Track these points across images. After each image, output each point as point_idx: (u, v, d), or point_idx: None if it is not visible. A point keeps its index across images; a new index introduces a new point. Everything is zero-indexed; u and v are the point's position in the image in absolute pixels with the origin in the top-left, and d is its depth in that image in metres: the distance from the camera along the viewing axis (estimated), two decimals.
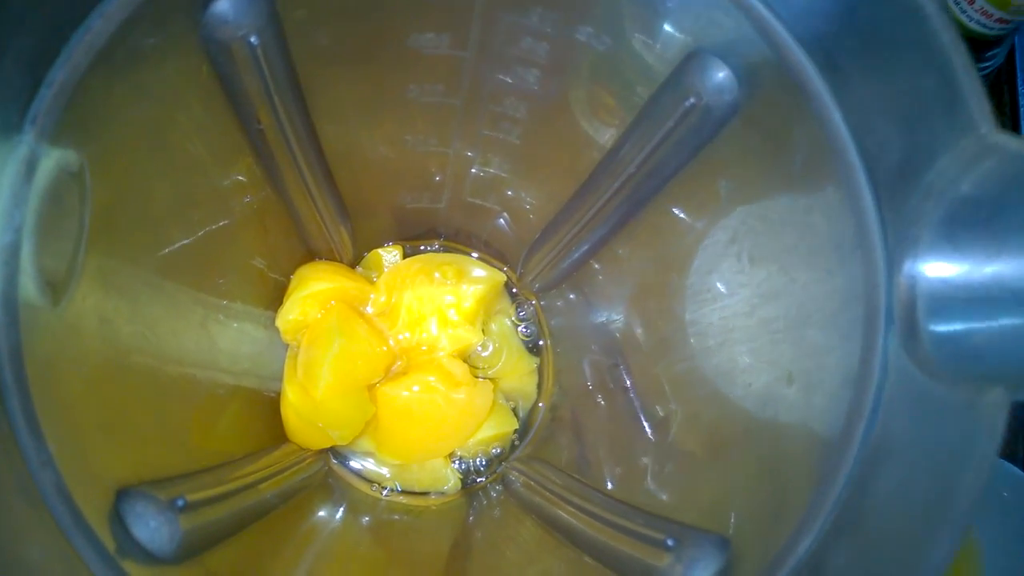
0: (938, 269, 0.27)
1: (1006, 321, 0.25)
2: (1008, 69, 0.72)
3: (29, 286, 0.27)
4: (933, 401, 0.26)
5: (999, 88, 0.71)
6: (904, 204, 0.28)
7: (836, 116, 0.30)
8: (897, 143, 0.28)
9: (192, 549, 0.31)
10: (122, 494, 0.29)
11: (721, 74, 0.34)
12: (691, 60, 0.34)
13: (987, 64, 0.57)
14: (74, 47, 0.28)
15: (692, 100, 0.35)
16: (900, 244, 0.28)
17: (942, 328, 0.26)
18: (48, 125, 0.27)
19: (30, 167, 0.27)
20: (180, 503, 0.30)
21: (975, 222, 0.26)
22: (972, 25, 0.53)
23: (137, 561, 0.28)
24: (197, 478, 0.35)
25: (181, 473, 0.35)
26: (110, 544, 0.27)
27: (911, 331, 0.27)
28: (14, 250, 0.26)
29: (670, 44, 0.35)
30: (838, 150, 0.30)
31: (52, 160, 0.28)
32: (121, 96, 0.31)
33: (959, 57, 0.25)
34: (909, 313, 0.27)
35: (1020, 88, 0.71)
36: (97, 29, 0.28)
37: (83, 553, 0.26)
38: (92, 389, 0.31)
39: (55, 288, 0.29)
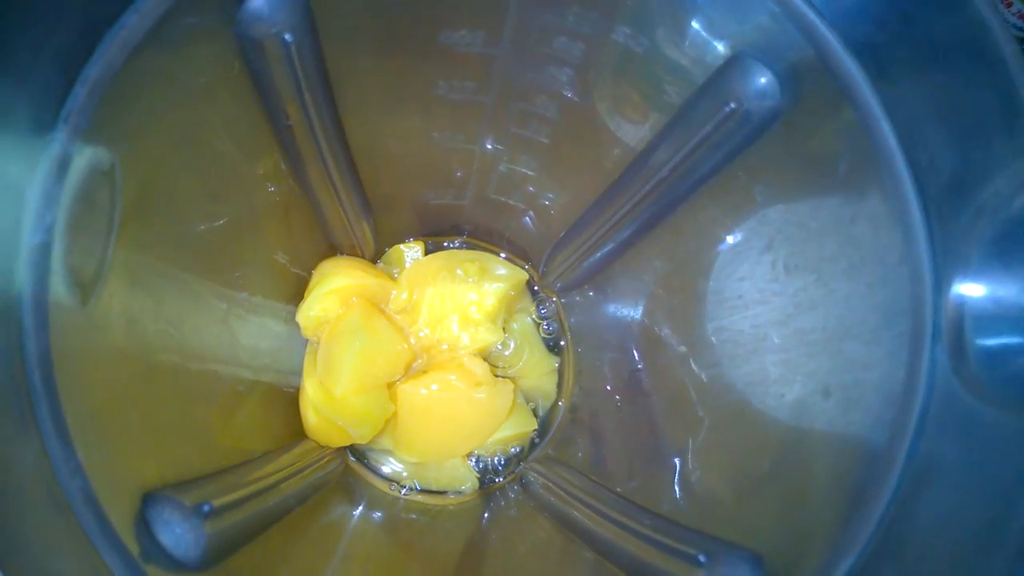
0: (989, 289, 0.26)
1: None
2: None
3: (59, 286, 0.27)
4: (983, 424, 0.25)
5: None
6: (955, 221, 0.27)
7: (885, 126, 0.29)
8: (950, 158, 0.27)
9: (217, 554, 0.30)
10: (148, 499, 0.28)
11: (763, 79, 0.33)
12: (732, 64, 0.34)
13: None
14: (108, 44, 0.27)
15: (732, 105, 0.34)
16: (949, 261, 0.27)
17: (992, 349, 0.26)
18: (81, 123, 0.27)
19: (62, 166, 0.26)
20: (207, 508, 0.30)
21: None
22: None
23: (160, 566, 0.28)
24: (220, 479, 0.35)
25: (204, 474, 0.35)
26: (134, 549, 0.27)
27: (959, 351, 0.27)
28: (45, 251, 0.26)
29: (710, 47, 0.34)
30: (886, 161, 0.29)
31: (84, 159, 0.28)
32: (153, 93, 0.31)
33: (1021, 73, 0.24)
34: (957, 332, 0.27)
35: None
36: (132, 25, 0.27)
37: (109, 561, 0.25)
38: (118, 390, 0.31)
39: (84, 287, 0.29)
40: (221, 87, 0.34)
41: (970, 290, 0.27)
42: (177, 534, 0.28)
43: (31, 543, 0.23)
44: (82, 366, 0.28)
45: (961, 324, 0.27)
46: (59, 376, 0.26)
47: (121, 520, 0.26)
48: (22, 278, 0.25)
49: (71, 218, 0.27)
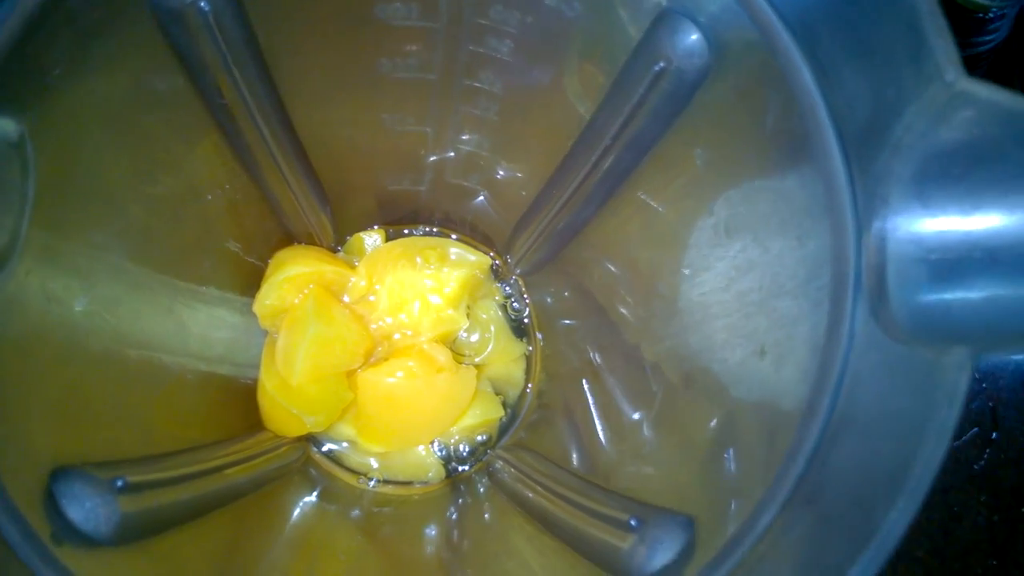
0: (908, 229, 0.25)
1: (978, 281, 0.24)
2: (1018, 48, 0.69)
3: None
4: (898, 367, 0.24)
5: (1008, 68, 0.69)
6: (873, 163, 0.26)
7: (806, 74, 0.28)
8: (866, 99, 0.26)
9: (136, 532, 0.30)
10: (58, 474, 0.28)
11: (692, 36, 0.32)
12: (661, 22, 0.33)
13: (990, 38, 0.55)
14: (7, 11, 0.27)
15: (662, 64, 0.33)
16: (869, 205, 0.26)
17: (911, 290, 0.25)
18: None
19: None
20: (119, 483, 0.29)
21: (947, 178, 0.24)
22: None
23: (73, 545, 0.27)
24: (151, 462, 0.34)
25: (138, 457, 0.34)
26: (42, 527, 0.26)
27: (880, 295, 0.26)
28: None
29: (639, 7, 0.34)
30: (808, 111, 0.28)
31: None
32: (66, 65, 0.30)
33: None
34: (878, 277, 0.26)
35: None
36: None
37: (7, 533, 0.24)
38: (35, 366, 0.30)
39: None
40: (145, 63, 0.34)
41: (890, 232, 0.26)
42: (87, 508, 0.28)
43: None
44: None
45: (883, 268, 0.26)
46: None
47: (23, 492, 0.26)
48: None
49: None
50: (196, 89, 0.37)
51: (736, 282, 0.35)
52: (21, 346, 0.29)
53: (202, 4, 0.32)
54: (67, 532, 0.27)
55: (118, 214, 0.36)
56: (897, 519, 0.21)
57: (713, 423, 0.34)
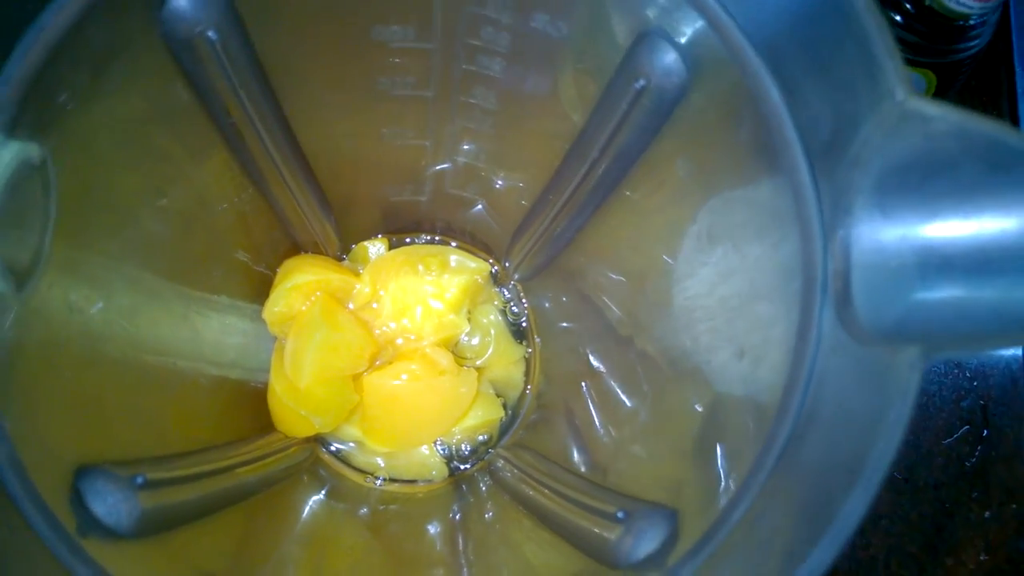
0: (870, 237, 0.27)
1: (935, 284, 0.25)
2: (1004, 50, 0.71)
3: None
4: (859, 367, 0.26)
5: (995, 71, 0.71)
6: (836, 175, 0.28)
7: (774, 93, 0.30)
8: (827, 115, 0.28)
9: (154, 526, 0.32)
10: (82, 471, 0.30)
11: (669, 56, 0.34)
12: (640, 43, 0.35)
13: (971, 45, 0.57)
14: (29, 43, 0.29)
15: (643, 82, 0.35)
16: (834, 214, 0.28)
17: (873, 295, 0.27)
18: (5, 119, 0.29)
19: None
20: (139, 480, 0.31)
21: (905, 189, 0.26)
22: (951, 4, 0.53)
23: (97, 538, 0.29)
24: (167, 461, 0.36)
25: (155, 456, 0.36)
26: (68, 521, 0.28)
27: (845, 299, 0.28)
28: None
29: (620, 29, 0.36)
30: (776, 126, 0.30)
31: (11, 152, 0.29)
32: (84, 90, 0.32)
33: (871, 20, 0.25)
34: (843, 282, 0.28)
35: (1019, 70, 0.71)
36: (51, 25, 0.29)
37: (36, 526, 0.26)
38: (60, 372, 0.32)
39: (18, 274, 0.30)
40: (157, 86, 0.36)
41: (853, 240, 0.27)
42: (109, 503, 0.30)
43: None
44: (16, 345, 0.29)
45: (847, 273, 0.28)
46: None
47: (51, 488, 0.28)
48: None
49: (0, 209, 0.29)
50: (205, 109, 0.39)
51: (718, 287, 0.37)
52: (45, 353, 0.31)
53: (209, 33, 0.34)
54: (91, 525, 0.29)
55: (133, 227, 0.38)
56: (853, 507, 0.23)
57: (699, 421, 0.36)
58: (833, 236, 0.28)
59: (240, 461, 0.42)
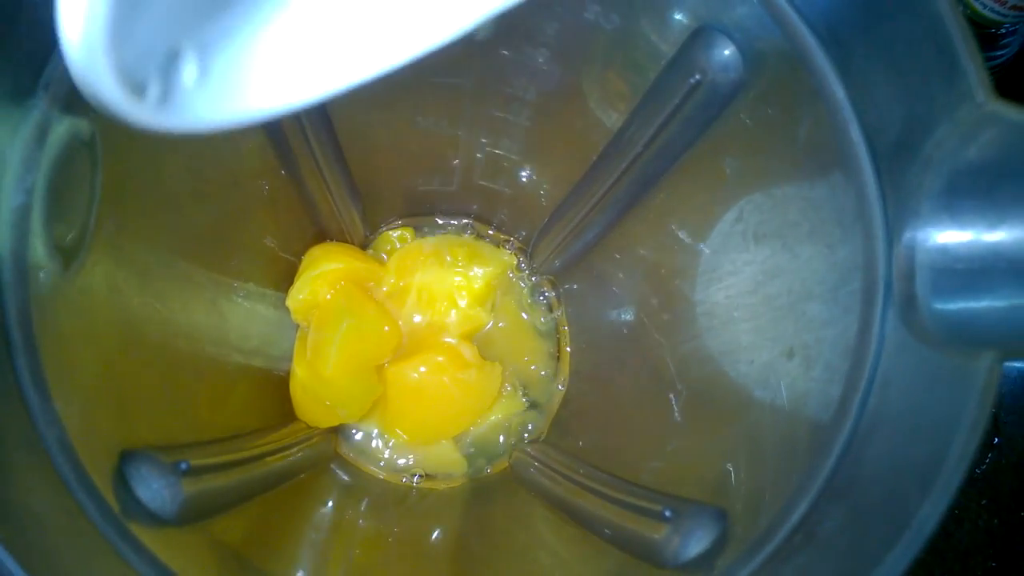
0: (937, 240, 0.27)
1: (1002, 290, 0.25)
2: None
3: (39, 248, 0.28)
4: (927, 369, 0.26)
5: (1019, 83, 0.71)
6: (904, 176, 0.28)
7: (839, 91, 0.30)
8: (898, 115, 0.28)
9: (195, 513, 0.31)
10: (127, 455, 0.29)
11: (726, 51, 0.34)
12: (697, 37, 0.35)
13: (1001, 53, 0.57)
14: None
15: (697, 77, 0.35)
16: (900, 216, 0.28)
17: (939, 298, 0.26)
18: (60, 92, 0.28)
19: (42, 132, 0.28)
20: (184, 466, 0.31)
21: (975, 193, 0.26)
22: (985, 12, 0.53)
23: (141, 522, 0.29)
24: (202, 447, 0.36)
25: (187, 442, 0.36)
26: (114, 503, 0.28)
27: (909, 302, 0.27)
28: (25, 212, 0.27)
29: (676, 22, 0.35)
30: (840, 125, 0.30)
31: (64, 127, 0.29)
32: None
33: (954, 23, 0.25)
34: (907, 284, 0.27)
35: None
36: None
37: (86, 508, 0.26)
38: (102, 354, 0.32)
39: (65, 253, 0.30)
40: None
41: (919, 242, 0.27)
42: (154, 489, 0.29)
43: (9, 482, 0.24)
44: (64, 326, 0.29)
45: (912, 276, 0.27)
46: (39, 332, 0.27)
47: (99, 471, 0.27)
48: (2, 237, 0.27)
49: (51, 184, 0.28)
50: None
51: (764, 286, 0.36)
52: (90, 334, 0.31)
53: None
54: (135, 509, 0.29)
55: (171, 209, 0.38)
56: (930, 512, 0.22)
57: (740, 421, 0.36)
58: (898, 238, 0.28)
59: (268, 450, 0.41)
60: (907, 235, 0.28)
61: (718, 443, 0.37)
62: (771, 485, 0.30)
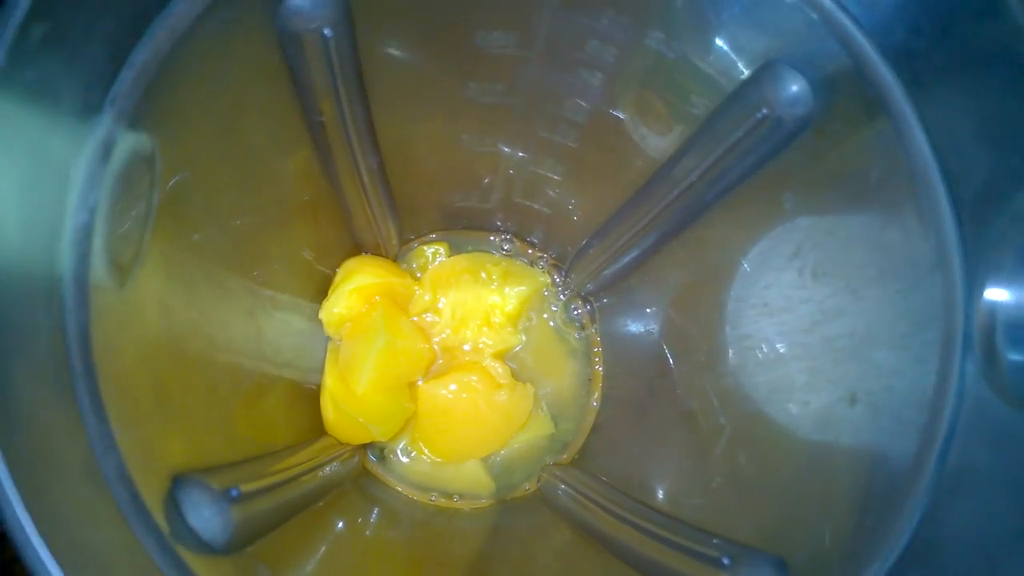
0: (1020, 296, 0.26)
1: None
2: None
3: (98, 267, 0.27)
4: (1012, 428, 0.25)
5: None
6: (988, 228, 0.27)
7: (919, 134, 0.29)
8: (984, 165, 0.27)
9: (243, 540, 0.30)
10: (178, 481, 0.29)
11: (796, 86, 0.33)
12: (765, 71, 0.34)
13: None
14: (157, 29, 0.28)
15: (764, 111, 0.34)
16: (981, 268, 0.27)
17: (1022, 355, 0.26)
18: (127, 107, 0.27)
19: (107, 149, 0.27)
20: (235, 493, 0.30)
21: None
22: None
23: (190, 548, 0.28)
24: (243, 468, 0.35)
25: (228, 462, 0.35)
26: (165, 528, 0.27)
27: (990, 357, 0.27)
28: (87, 231, 0.26)
29: (743, 54, 0.35)
30: (919, 169, 0.29)
31: (127, 143, 0.28)
32: (195, 82, 0.31)
33: None
34: (988, 339, 0.27)
35: None
36: (180, 12, 0.28)
37: (142, 537, 0.25)
38: (150, 373, 0.31)
39: (122, 270, 0.29)
40: (259, 80, 0.35)
41: (1002, 297, 0.27)
42: (205, 517, 0.29)
43: (67, 513, 0.23)
44: (118, 347, 0.28)
45: (993, 330, 0.27)
46: (96, 355, 0.26)
47: (152, 499, 0.27)
48: (65, 257, 0.26)
49: (112, 201, 0.27)
50: (299, 106, 0.37)
51: (822, 326, 0.36)
52: (143, 354, 0.30)
53: (325, 31, 0.33)
54: (185, 535, 0.28)
55: (218, 222, 0.37)
56: None
57: (794, 464, 0.35)
58: (979, 291, 0.27)
59: (303, 470, 0.40)
60: (989, 288, 0.27)
61: (771, 485, 0.36)
62: (838, 539, 0.29)
